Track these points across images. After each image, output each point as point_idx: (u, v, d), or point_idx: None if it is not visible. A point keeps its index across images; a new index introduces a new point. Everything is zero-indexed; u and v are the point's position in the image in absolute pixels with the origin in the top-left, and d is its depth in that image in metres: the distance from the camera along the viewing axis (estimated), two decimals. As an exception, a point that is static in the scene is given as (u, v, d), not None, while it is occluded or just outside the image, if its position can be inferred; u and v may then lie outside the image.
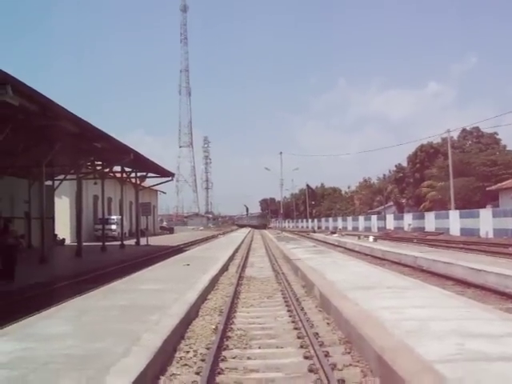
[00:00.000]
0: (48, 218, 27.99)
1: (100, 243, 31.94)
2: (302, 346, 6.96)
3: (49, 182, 32.45)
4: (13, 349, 5.99)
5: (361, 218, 77.20)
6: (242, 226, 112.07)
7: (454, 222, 45.36)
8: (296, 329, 8.06)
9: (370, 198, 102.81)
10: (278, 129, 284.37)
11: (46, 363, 5.35)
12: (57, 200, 36.44)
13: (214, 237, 58.81)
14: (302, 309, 9.71)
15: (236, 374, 5.95)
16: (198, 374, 5.84)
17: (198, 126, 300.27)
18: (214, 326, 8.26)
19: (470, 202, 56.80)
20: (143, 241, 38.83)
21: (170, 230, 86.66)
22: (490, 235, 38.55)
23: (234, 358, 6.57)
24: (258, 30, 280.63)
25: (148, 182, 47.59)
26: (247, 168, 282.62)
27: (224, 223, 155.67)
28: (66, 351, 5.82)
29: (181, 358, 6.51)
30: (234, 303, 10.72)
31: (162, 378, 5.72)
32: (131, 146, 27.40)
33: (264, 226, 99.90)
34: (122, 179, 38.16)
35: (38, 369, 5.18)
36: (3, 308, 10.99)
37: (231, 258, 22.31)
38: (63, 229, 38.96)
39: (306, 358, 6.39)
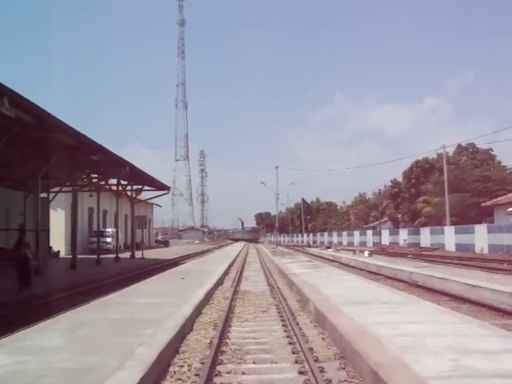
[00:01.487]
0: (43, 230, 27.86)
1: (95, 256, 31.79)
2: (296, 361, 6.93)
3: (44, 195, 32.32)
4: (6, 362, 5.95)
5: (356, 233, 77.27)
6: (235, 240, 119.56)
7: (450, 238, 45.42)
8: (291, 344, 8.02)
9: (366, 213, 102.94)
10: (275, 143, 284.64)
11: (40, 377, 5.31)
12: (52, 212, 36.30)
13: (209, 250, 58.73)
14: (297, 324, 9.68)
15: (230, 389, 5.92)
16: (192, 388, 5.81)
17: (194, 139, 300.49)
18: (208, 341, 8.23)
19: (465, 218, 56.92)
20: (138, 254, 38.69)
21: (166, 244, 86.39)
22: (485, 251, 38.60)
23: (228, 372, 6.53)
24: (255, 44, 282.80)
25: (144, 195, 47.53)
26: (243, 182, 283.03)
27: (219, 237, 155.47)
28: (60, 364, 5.78)
29: (175, 373, 6.48)
30: (229, 317, 10.67)
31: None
32: (127, 159, 27.43)
33: (255, 240, 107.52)
34: (118, 192, 38.12)
35: (31, 382, 5.15)
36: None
37: (226, 272, 22.25)
38: (58, 241, 38.83)
39: (300, 373, 6.36)
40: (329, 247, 57.73)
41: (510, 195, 50.41)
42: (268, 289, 16.37)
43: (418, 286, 17.26)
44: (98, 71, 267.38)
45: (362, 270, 25.45)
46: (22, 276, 16.80)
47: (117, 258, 34.50)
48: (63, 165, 23.88)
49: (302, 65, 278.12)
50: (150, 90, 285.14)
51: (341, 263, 31.46)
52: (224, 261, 29.62)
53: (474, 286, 14.69)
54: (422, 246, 50.21)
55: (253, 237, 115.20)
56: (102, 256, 32.17)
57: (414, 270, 20.66)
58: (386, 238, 63.29)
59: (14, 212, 30.71)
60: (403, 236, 58.48)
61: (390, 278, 20.52)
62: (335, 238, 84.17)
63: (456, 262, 28.64)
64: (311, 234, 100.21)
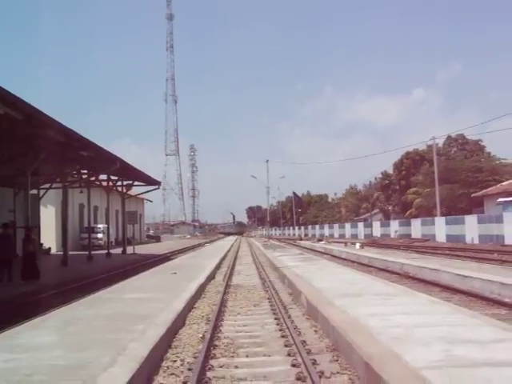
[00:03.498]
0: (33, 227, 27.73)
1: (86, 252, 31.66)
2: (289, 354, 6.94)
3: (34, 191, 32.13)
4: (-3, 360, 5.91)
5: (347, 226, 77.46)
6: (222, 234, 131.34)
7: (440, 229, 45.65)
8: (283, 337, 8.03)
9: (357, 205, 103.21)
10: (265, 136, 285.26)
11: (31, 374, 5.27)
12: (42, 209, 36.06)
13: (200, 245, 58.69)
14: (290, 316, 9.69)
15: (223, 383, 5.92)
16: (185, 383, 5.81)
17: (184, 133, 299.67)
18: (201, 335, 8.23)
19: (455, 209, 57.21)
20: (130, 249, 38.64)
21: (157, 239, 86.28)
22: (476, 241, 38.85)
23: (221, 366, 6.53)
24: (244, 38, 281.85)
25: (134, 191, 47.39)
26: (234, 176, 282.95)
27: (211, 231, 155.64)
28: (52, 362, 5.75)
29: (168, 367, 6.47)
30: (221, 311, 10.67)
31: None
32: (117, 155, 27.30)
33: (241, 233, 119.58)
34: (108, 188, 37.97)
35: (22, 380, 5.11)
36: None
37: (218, 266, 22.24)
38: (49, 238, 38.55)
39: (293, 365, 6.37)
40: (320, 240, 57.90)
41: (499, 185, 50.69)
42: (260, 282, 16.38)
43: (410, 278, 17.32)
44: (87, 66, 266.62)
45: (353, 262, 25.51)
46: (29, 271, 17.95)
47: (108, 254, 34.38)
48: (53, 161, 23.74)
49: (291, 58, 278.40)
50: (138, 85, 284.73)
51: (332, 256, 31.52)
52: (215, 255, 29.62)
53: (465, 277, 14.78)
54: (413, 237, 50.44)
55: (239, 230, 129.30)
56: (93, 252, 32.03)
57: (405, 262, 20.74)
58: (377, 229, 63.50)
59: (4, 209, 30.54)
60: (394, 227, 58.66)
61: (382, 269, 20.59)
62: (326, 231, 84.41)
63: (447, 252, 28.80)
64: (302, 227, 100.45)
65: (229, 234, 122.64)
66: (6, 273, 18.03)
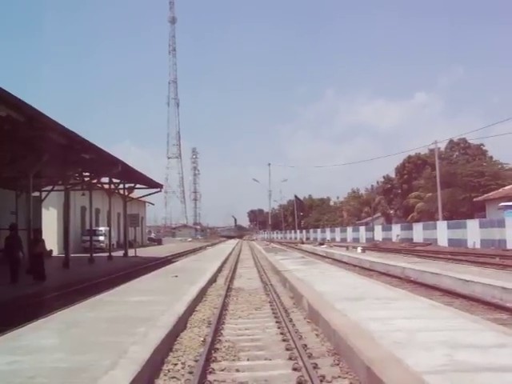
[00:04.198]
0: (35, 229, 27.73)
1: (88, 255, 31.72)
2: (290, 358, 6.92)
3: (36, 194, 32.20)
4: (-2, 362, 5.91)
5: (349, 229, 77.41)
6: (223, 237, 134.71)
7: (442, 233, 45.58)
8: (284, 340, 8.02)
9: (358, 209, 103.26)
10: (267, 139, 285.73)
11: (32, 377, 5.27)
12: (44, 211, 36.16)
13: (202, 248, 58.66)
14: (291, 320, 9.68)
15: (224, 387, 5.91)
16: (186, 386, 5.80)
17: (186, 136, 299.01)
18: (202, 338, 8.21)
19: (457, 213, 57.16)
20: (131, 252, 38.64)
21: (159, 242, 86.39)
22: (477, 246, 38.78)
23: (222, 370, 6.52)
24: (246, 41, 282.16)
25: (136, 193, 47.42)
26: (236, 179, 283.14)
27: (212, 234, 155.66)
28: (53, 364, 5.75)
29: (169, 371, 6.45)
30: (223, 315, 10.66)
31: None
32: (119, 157, 27.33)
33: (241, 236, 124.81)
34: (110, 190, 37.99)
35: (24, 383, 5.11)
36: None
37: (219, 270, 22.22)
38: (51, 240, 38.40)
39: (294, 369, 6.35)
40: (322, 243, 57.83)
41: (501, 190, 50.67)
42: (261, 286, 16.36)
43: (411, 282, 17.31)
44: (89, 68, 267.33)
45: (355, 266, 25.49)
46: (36, 271, 18.79)
47: (110, 257, 34.40)
48: (55, 163, 23.77)
49: (293, 61, 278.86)
50: (140, 88, 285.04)
51: (334, 259, 31.50)
52: (217, 258, 29.61)
53: (467, 281, 14.76)
54: (414, 241, 50.37)
55: (239, 234, 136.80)
56: (94, 255, 32.12)
57: (406, 266, 20.73)
58: (378, 233, 63.44)
59: (6, 211, 30.55)
60: (396, 232, 58.62)
61: (383, 273, 20.56)
62: (328, 235, 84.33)
63: (448, 257, 28.75)
64: (304, 231, 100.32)
65: (229, 237, 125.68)
66: (11, 274, 18.05)
